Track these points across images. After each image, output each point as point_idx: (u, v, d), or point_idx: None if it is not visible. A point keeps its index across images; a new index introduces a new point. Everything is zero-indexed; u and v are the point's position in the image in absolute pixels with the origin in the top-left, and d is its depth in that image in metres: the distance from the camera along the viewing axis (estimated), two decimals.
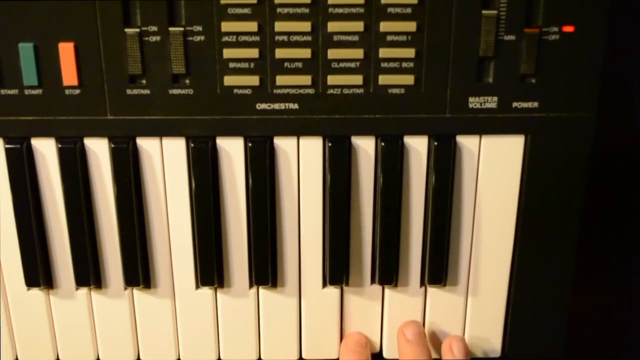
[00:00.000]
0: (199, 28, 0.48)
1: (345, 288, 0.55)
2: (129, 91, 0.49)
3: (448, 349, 0.54)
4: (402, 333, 0.54)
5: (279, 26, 0.48)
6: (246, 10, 0.47)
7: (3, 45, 0.48)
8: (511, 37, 0.48)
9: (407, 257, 0.54)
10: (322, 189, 0.52)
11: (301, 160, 0.51)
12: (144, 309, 0.55)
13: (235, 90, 0.49)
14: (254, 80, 0.49)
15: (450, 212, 0.52)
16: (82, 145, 0.51)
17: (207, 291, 0.54)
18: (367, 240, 0.54)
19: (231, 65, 0.48)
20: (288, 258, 0.54)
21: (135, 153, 0.51)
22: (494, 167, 0.52)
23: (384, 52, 0.48)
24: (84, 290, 0.54)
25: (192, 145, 0.50)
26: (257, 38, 0.48)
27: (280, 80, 0.49)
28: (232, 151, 0.51)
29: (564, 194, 0.52)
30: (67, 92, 0.49)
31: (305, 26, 0.48)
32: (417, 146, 0.51)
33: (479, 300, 0.55)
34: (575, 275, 0.54)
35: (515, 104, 0.50)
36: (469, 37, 0.48)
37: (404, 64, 0.49)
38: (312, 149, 0.51)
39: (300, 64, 0.49)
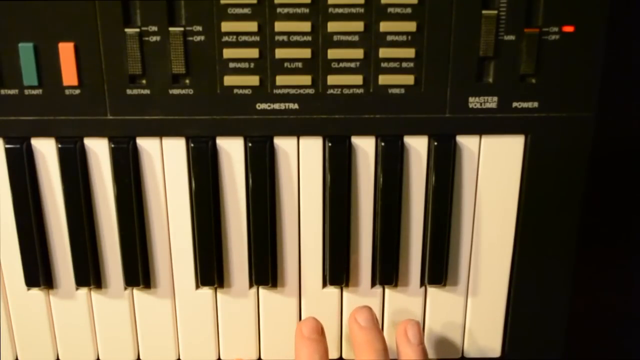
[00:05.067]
0: (199, 28, 0.48)
1: (345, 288, 0.55)
2: (129, 91, 0.49)
3: (403, 334, 0.52)
4: (354, 319, 0.52)
5: (279, 26, 0.48)
6: (246, 10, 0.47)
7: (3, 45, 0.48)
8: (511, 37, 0.48)
9: (407, 257, 0.54)
10: (322, 189, 0.52)
11: (301, 160, 0.51)
12: (144, 309, 0.55)
13: (235, 90, 0.49)
14: (254, 80, 0.49)
15: (450, 212, 0.52)
16: (82, 145, 0.51)
17: (207, 291, 0.54)
18: (367, 240, 0.54)
19: (231, 65, 0.48)
20: (288, 258, 0.54)
21: (135, 153, 0.51)
22: (494, 167, 0.52)
23: (384, 52, 0.48)
24: (84, 290, 0.54)
25: (192, 145, 0.50)
26: (257, 38, 0.48)
27: (280, 80, 0.49)
28: (232, 151, 0.51)
29: (564, 194, 0.52)
30: (67, 92, 0.49)
31: (305, 26, 0.48)
32: (417, 146, 0.51)
33: (479, 300, 0.55)
34: (575, 275, 0.54)
35: (515, 104, 0.50)
36: (469, 37, 0.48)
37: (404, 64, 0.49)
38: (312, 149, 0.51)
39: (300, 64, 0.49)
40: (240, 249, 0.53)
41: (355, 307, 0.54)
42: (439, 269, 0.53)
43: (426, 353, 0.52)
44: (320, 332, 0.52)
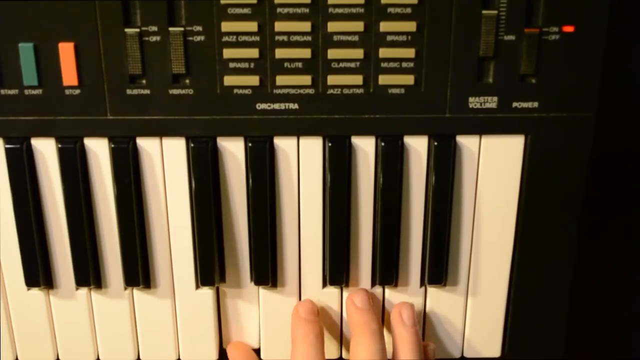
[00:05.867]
0: (199, 28, 0.48)
1: (345, 288, 0.55)
2: (129, 91, 0.49)
3: (397, 316, 0.53)
4: (351, 301, 0.53)
5: (279, 26, 0.48)
6: (246, 10, 0.47)
7: (3, 45, 0.48)
8: (511, 37, 0.48)
9: (407, 257, 0.54)
10: (322, 189, 0.52)
11: (301, 160, 0.51)
12: (144, 309, 0.55)
13: (235, 90, 0.49)
14: (254, 80, 0.49)
15: (450, 212, 0.52)
16: (82, 145, 0.51)
17: (207, 291, 0.54)
18: (367, 240, 0.54)
19: (231, 65, 0.48)
20: (288, 258, 0.54)
21: (135, 153, 0.51)
22: (494, 167, 0.52)
23: (384, 52, 0.48)
24: (84, 290, 0.54)
25: (192, 145, 0.50)
26: (257, 38, 0.48)
27: (280, 80, 0.49)
28: (232, 151, 0.51)
29: (564, 194, 0.52)
30: (67, 92, 0.49)
31: (305, 26, 0.48)
32: (417, 146, 0.51)
33: (479, 300, 0.55)
34: (575, 275, 0.54)
35: (515, 104, 0.50)
36: (469, 37, 0.48)
37: (404, 64, 0.49)
38: (312, 149, 0.51)
39: (300, 64, 0.49)
40: (240, 249, 0.53)
41: (352, 291, 0.54)
42: (439, 269, 0.54)
43: (419, 335, 0.53)
44: (316, 313, 0.54)
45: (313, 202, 0.52)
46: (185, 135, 0.50)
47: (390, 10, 0.48)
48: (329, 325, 0.55)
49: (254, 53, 0.48)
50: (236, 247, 0.53)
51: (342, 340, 0.56)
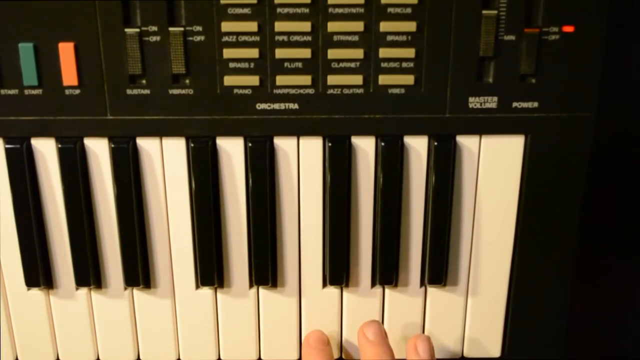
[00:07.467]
0: (199, 28, 0.48)
1: (345, 288, 0.55)
2: (129, 91, 0.49)
3: (412, 349, 0.52)
4: (362, 333, 0.53)
5: (279, 26, 0.48)
6: (246, 10, 0.47)
7: (3, 45, 0.48)
8: (511, 37, 0.48)
9: (407, 257, 0.54)
10: (322, 189, 0.52)
11: (301, 160, 0.51)
12: (144, 309, 0.55)
13: (235, 90, 0.49)
14: (254, 80, 0.49)
15: (450, 212, 0.52)
16: (82, 145, 0.51)
17: (207, 291, 0.54)
18: (367, 240, 0.54)
19: (231, 65, 0.49)
20: (288, 258, 0.54)
21: (135, 153, 0.51)
22: (494, 167, 0.52)
23: (384, 52, 0.48)
24: (84, 290, 0.54)
25: (192, 145, 0.50)
26: (257, 38, 0.48)
27: (280, 80, 0.49)
28: (232, 151, 0.51)
29: (563, 194, 0.52)
30: (67, 92, 0.49)
31: (305, 26, 0.48)
32: (417, 146, 0.51)
33: (479, 300, 0.55)
34: (575, 275, 0.54)
35: (515, 104, 0.50)
36: (469, 37, 0.48)
37: (404, 64, 0.49)
38: (312, 149, 0.51)
39: (300, 64, 0.49)
40: (240, 249, 0.53)
41: (364, 322, 0.54)
42: (439, 269, 0.53)
43: None
44: (326, 342, 0.54)
45: (313, 202, 0.52)
46: (185, 135, 0.50)
47: (390, 10, 0.48)
48: (328, 326, 0.55)
49: (254, 53, 0.48)
50: (236, 247, 0.53)
51: (342, 341, 0.56)
